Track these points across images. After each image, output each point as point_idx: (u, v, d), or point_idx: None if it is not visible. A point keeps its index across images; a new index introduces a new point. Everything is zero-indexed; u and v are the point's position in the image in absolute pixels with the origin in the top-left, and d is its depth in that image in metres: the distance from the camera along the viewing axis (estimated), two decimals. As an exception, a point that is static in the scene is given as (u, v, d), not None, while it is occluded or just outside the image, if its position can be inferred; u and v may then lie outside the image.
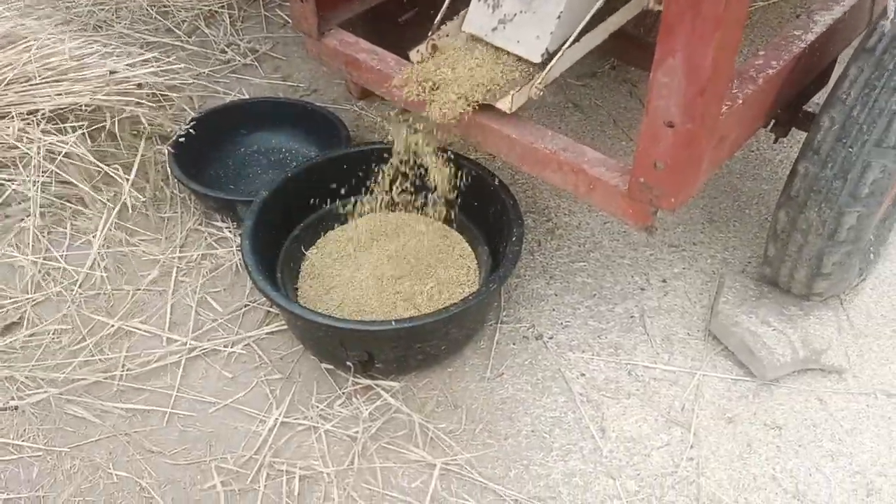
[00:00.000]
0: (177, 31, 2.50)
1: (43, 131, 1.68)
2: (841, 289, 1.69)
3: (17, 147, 1.70)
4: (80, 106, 1.72)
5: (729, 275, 1.78)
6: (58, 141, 1.68)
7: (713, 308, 1.74)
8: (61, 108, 1.72)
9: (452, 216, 1.82)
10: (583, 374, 1.64)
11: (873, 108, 1.36)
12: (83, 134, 1.74)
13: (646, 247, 1.92)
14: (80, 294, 1.76)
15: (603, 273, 1.86)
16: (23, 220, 1.82)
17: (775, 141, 1.83)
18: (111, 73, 1.77)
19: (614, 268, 1.87)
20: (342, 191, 1.83)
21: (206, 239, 1.89)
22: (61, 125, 1.74)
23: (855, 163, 1.38)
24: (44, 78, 1.71)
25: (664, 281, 1.84)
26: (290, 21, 2.61)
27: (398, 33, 2.29)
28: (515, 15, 1.56)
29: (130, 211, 1.88)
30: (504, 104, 1.49)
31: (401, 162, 1.74)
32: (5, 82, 1.72)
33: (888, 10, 1.35)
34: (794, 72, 1.52)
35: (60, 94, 1.69)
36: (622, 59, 2.29)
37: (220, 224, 1.92)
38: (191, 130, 1.93)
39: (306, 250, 1.78)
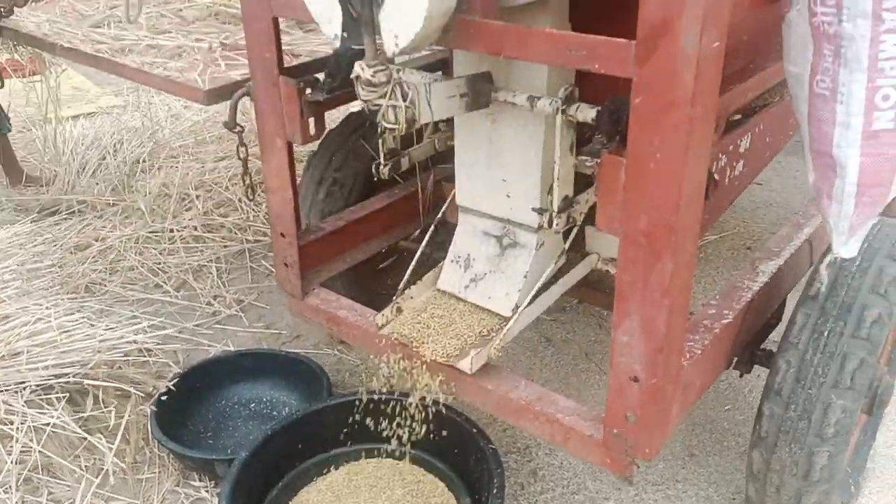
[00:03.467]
0: (165, 285, 2.62)
1: (27, 402, 1.70)
2: (827, 526, 1.67)
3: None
4: (68, 376, 1.76)
5: (715, 515, 1.76)
6: (41, 412, 1.69)
7: (704, 552, 1.70)
8: (48, 381, 1.76)
9: (435, 465, 1.82)
10: None
11: (825, 352, 1.45)
12: (67, 403, 1.76)
13: (630, 487, 1.91)
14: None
15: (589, 518, 1.83)
16: (-1, 493, 1.78)
17: (741, 376, 1.90)
18: (99, 347, 1.82)
19: (600, 511, 1.85)
20: (321, 444, 1.84)
21: (182, 502, 1.85)
22: (45, 396, 1.77)
23: (816, 404, 1.44)
24: (32, 355, 1.76)
25: (651, 524, 1.81)
26: (274, 271, 2.76)
27: (378, 279, 2.44)
28: (486, 274, 1.69)
29: (111, 479, 1.85)
30: (465, 364, 1.56)
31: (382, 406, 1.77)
32: (-6, 359, 1.76)
33: (821, 276, 1.48)
34: (747, 317, 1.63)
35: (48, 367, 1.74)
36: (585, 301, 2.43)
37: (197, 483, 1.89)
38: (172, 388, 1.97)
39: (285, 510, 1.75)
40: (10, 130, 3.19)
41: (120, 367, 1.96)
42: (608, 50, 1.11)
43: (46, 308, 1.94)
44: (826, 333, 1.46)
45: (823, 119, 1.26)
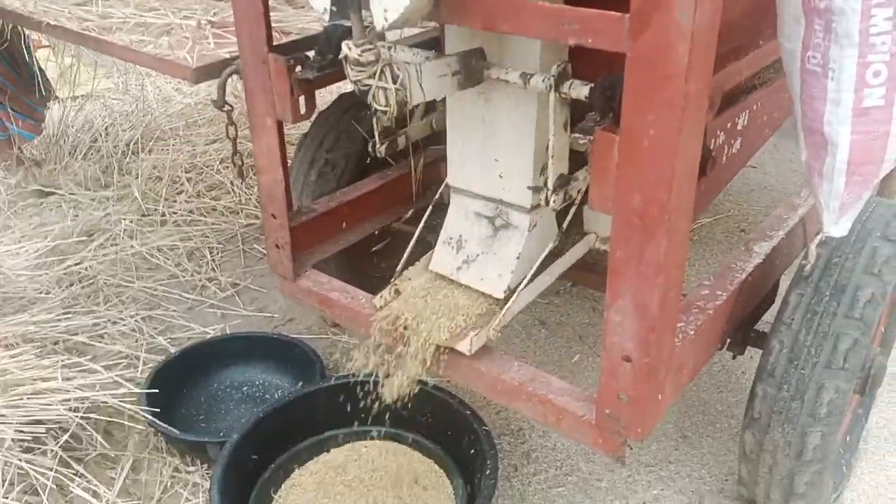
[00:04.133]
0: (157, 270, 2.60)
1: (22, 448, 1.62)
2: (819, 507, 1.68)
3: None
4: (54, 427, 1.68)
5: (708, 495, 1.76)
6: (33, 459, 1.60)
7: (696, 532, 1.71)
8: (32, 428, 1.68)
9: (428, 448, 1.82)
10: None
11: (818, 332, 1.44)
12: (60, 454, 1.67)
13: (622, 468, 1.91)
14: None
15: (582, 499, 1.83)
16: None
17: (734, 357, 1.89)
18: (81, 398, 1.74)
19: (592, 492, 1.84)
20: (313, 427, 1.83)
21: (179, 490, 1.83)
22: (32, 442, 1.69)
23: (809, 384, 1.44)
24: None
25: (644, 504, 1.81)
26: (266, 254, 2.74)
27: (371, 262, 2.43)
28: (478, 255, 1.68)
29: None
30: (464, 346, 1.55)
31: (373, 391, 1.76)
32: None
33: (811, 254, 1.48)
34: (740, 298, 1.62)
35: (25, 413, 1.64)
36: (578, 283, 2.42)
37: (190, 468, 1.88)
38: (165, 372, 1.95)
39: (275, 493, 1.74)
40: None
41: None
42: (602, 24, 1.09)
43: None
44: (819, 314, 1.46)
45: (815, 96, 1.24)
